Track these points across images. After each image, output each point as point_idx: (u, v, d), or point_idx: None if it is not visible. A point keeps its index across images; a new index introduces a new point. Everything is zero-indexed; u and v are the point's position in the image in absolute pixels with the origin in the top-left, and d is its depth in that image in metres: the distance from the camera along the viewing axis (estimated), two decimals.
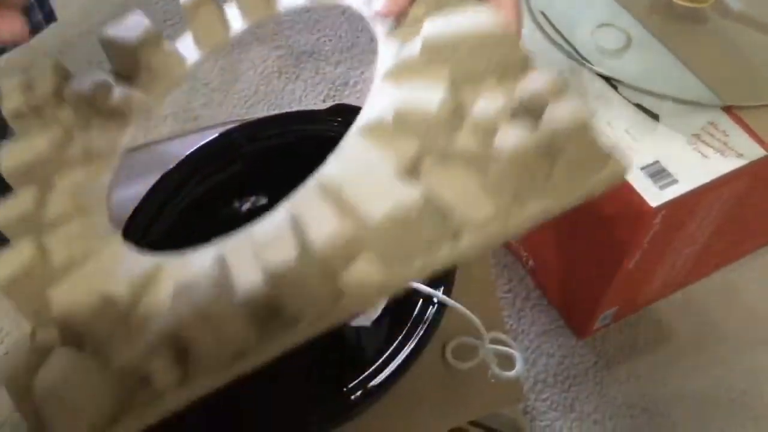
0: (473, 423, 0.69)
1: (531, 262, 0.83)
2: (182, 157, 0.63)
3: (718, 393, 0.79)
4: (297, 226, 0.33)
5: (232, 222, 0.71)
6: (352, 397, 0.52)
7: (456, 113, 0.34)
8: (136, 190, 0.61)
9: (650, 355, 0.81)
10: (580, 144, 0.31)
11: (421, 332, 0.56)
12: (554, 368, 0.79)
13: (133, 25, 0.49)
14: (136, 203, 0.60)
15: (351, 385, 0.53)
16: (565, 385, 0.78)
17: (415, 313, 0.57)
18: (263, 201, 0.71)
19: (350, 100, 0.95)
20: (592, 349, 0.81)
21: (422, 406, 0.54)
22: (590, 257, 0.73)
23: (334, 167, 0.37)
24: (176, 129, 0.90)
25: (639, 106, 0.68)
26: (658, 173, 0.64)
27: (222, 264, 0.34)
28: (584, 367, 0.79)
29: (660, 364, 0.80)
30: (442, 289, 0.57)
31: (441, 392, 0.54)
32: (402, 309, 0.61)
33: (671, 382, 0.79)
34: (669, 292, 0.84)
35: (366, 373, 0.54)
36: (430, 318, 0.57)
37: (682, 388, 0.79)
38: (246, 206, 0.71)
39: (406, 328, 0.57)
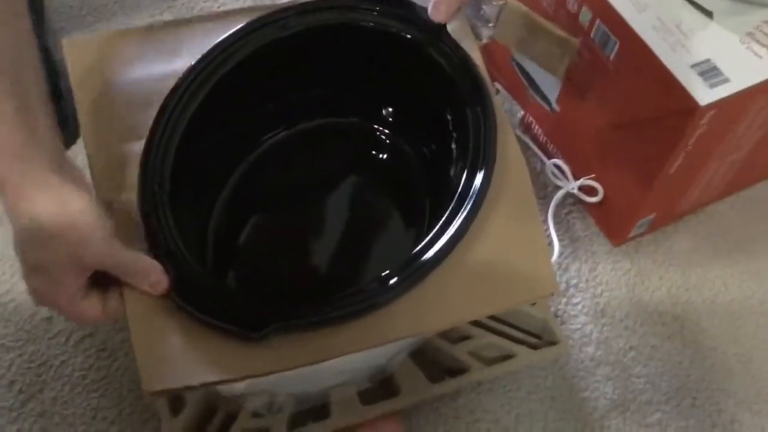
0: (506, 323, 0.69)
1: (568, 167, 0.81)
2: (213, 46, 0.62)
3: (751, 303, 0.78)
4: None
5: (265, 121, 0.70)
6: (391, 282, 0.52)
7: None
8: (164, 68, 0.60)
9: (684, 265, 0.80)
10: None
11: (455, 228, 0.55)
12: (587, 274, 0.78)
13: None
14: (162, 81, 0.60)
15: (385, 273, 0.53)
16: (597, 291, 0.77)
17: (448, 212, 0.56)
18: (293, 99, 0.70)
19: None
20: (626, 257, 0.80)
21: (452, 296, 0.54)
22: (631, 160, 0.71)
23: None
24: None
25: (692, 2, 0.65)
26: (708, 71, 0.62)
27: None
28: (617, 274, 0.79)
29: (693, 274, 0.79)
30: (479, 180, 0.56)
31: (471, 282, 0.54)
32: (437, 208, 0.60)
33: (704, 293, 0.78)
34: (707, 202, 0.82)
35: (398, 265, 0.54)
36: (464, 214, 0.56)
37: (715, 298, 0.78)
38: (277, 106, 0.69)
39: (439, 224, 0.56)
